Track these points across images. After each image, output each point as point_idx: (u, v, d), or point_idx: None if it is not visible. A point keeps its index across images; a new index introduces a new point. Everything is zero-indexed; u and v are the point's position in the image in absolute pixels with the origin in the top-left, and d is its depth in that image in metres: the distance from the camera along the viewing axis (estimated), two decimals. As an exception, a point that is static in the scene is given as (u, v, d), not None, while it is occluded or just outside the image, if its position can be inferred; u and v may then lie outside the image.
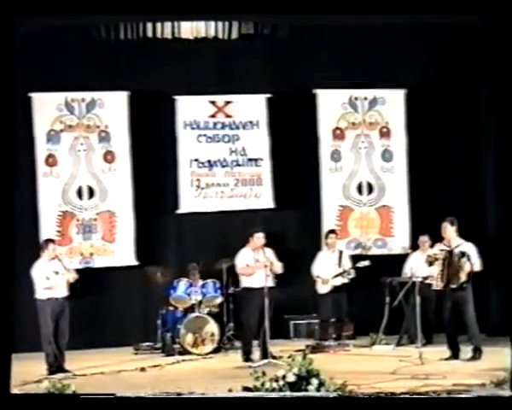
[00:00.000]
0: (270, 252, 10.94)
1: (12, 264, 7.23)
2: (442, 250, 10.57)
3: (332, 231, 12.51)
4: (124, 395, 6.90)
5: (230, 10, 11.15)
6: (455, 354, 10.53)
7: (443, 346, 10.85)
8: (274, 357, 10.57)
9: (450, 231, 10.59)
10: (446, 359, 10.52)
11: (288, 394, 7.50)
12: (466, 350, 10.56)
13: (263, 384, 7.95)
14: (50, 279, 10.46)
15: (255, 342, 10.86)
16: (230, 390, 8.20)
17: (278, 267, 10.88)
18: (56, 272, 10.52)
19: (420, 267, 11.65)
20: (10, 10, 7.44)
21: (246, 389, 8.05)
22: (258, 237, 10.86)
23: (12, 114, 7.51)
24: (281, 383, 7.87)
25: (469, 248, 10.54)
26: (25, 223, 11.68)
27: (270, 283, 10.69)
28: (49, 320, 10.40)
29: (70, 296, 10.62)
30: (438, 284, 10.67)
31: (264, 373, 8.05)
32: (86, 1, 8.62)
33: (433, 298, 11.71)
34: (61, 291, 10.54)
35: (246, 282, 10.94)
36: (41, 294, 10.49)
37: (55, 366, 10.36)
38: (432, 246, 12.02)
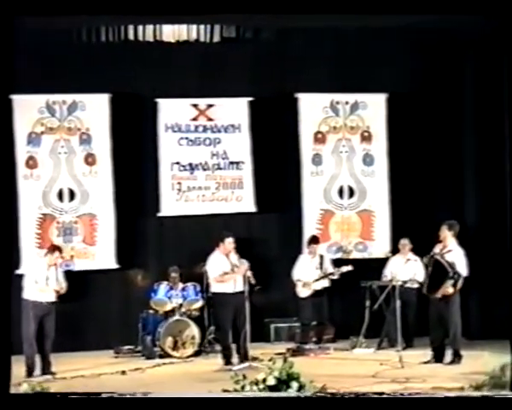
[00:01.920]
0: (242, 260, 10.90)
1: (9, 266, 7.17)
2: (432, 256, 10.58)
3: (315, 241, 12.47)
4: (113, 396, 6.81)
5: (212, 13, 11.20)
6: (439, 358, 10.56)
7: (423, 349, 10.90)
8: (254, 360, 10.57)
9: (445, 234, 10.62)
10: (426, 362, 10.55)
11: (268, 394, 7.50)
12: (446, 354, 10.61)
13: (243, 388, 7.94)
14: (38, 283, 10.49)
15: (234, 346, 10.83)
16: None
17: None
18: (48, 278, 10.53)
19: (400, 271, 11.73)
20: (10, 10, 7.33)
21: (226, 392, 8.05)
22: (229, 242, 10.83)
23: (8, 115, 7.39)
24: (261, 386, 7.87)
25: (458, 256, 10.57)
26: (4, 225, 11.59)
27: (242, 287, 10.66)
28: (32, 322, 10.38)
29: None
30: (424, 289, 10.72)
31: (244, 377, 8.03)
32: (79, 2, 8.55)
33: (413, 302, 11.78)
34: (48, 297, 10.53)
35: (216, 287, 10.92)
36: (28, 295, 10.49)
37: (34, 369, 10.36)
38: (412, 250, 12.10)
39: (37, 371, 10.45)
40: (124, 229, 12.70)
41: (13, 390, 8.25)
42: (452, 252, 10.56)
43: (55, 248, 10.96)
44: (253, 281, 10.66)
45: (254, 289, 10.73)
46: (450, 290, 10.45)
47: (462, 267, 10.56)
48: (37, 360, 10.54)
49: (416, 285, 11.60)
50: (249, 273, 10.68)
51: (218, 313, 11.07)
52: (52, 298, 10.57)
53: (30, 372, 10.32)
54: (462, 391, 8.23)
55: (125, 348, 12.11)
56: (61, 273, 10.84)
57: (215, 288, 10.92)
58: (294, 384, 7.85)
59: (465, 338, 11.46)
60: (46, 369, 10.48)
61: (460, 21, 11.17)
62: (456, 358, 10.49)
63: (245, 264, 10.77)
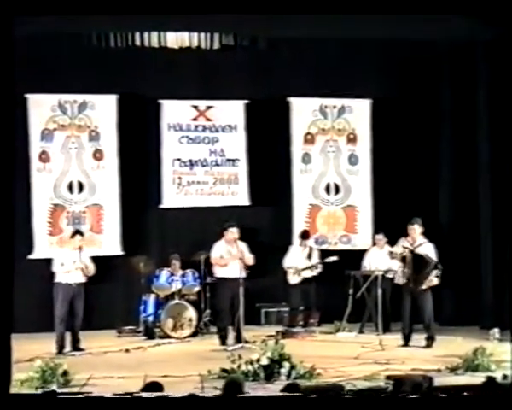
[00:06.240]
0: (243, 245, 10.96)
1: (11, 252, 7.12)
2: (405, 248, 10.61)
3: (306, 236, 12.43)
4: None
5: (213, 23, 11.18)
6: (406, 342, 10.59)
7: (398, 334, 10.91)
8: (247, 341, 10.59)
9: (416, 230, 10.66)
10: (403, 346, 10.58)
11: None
12: (420, 338, 10.61)
13: (239, 367, 7.99)
14: (64, 265, 10.54)
15: (230, 328, 10.86)
16: (209, 371, 8.21)
17: (249, 259, 10.88)
18: (74, 261, 10.58)
19: (377, 261, 11.81)
20: (9, 10, 7.23)
21: (224, 370, 8.08)
22: (232, 232, 10.86)
23: (11, 113, 7.32)
24: (255, 365, 7.92)
25: (430, 249, 10.61)
26: (19, 214, 11.54)
27: (243, 273, 10.69)
28: (64, 303, 10.45)
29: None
30: (399, 280, 10.76)
31: (239, 356, 8.09)
32: (82, 2, 8.45)
33: (390, 290, 11.80)
34: (76, 277, 10.60)
35: (219, 272, 10.96)
36: (57, 277, 10.56)
37: (64, 346, 10.44)
38: (388, 243, 12.09)
39: (68, 347, 10.52)
40: (128, 219, 12.72)
41: (27, 366, 8.24)
42: (423, 245, 10.61)
43: (76, 233, 10.99)
44: (251, 262, 10.67)
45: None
46: (435, 282, 10.48)
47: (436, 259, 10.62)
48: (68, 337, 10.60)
49: (391, 275, 11.60)
50: (248, 256, 10.67)
51: (219, 297, 11.06)
52: (80, 279, 10.61)
53: (60, 349, 10.38)
54: (438, 373, 8.28)
55: (127, 328, 12.11)
56: (85, 255, 10.85)
57: (217, 273, 10.96)
58: (286, 364, 7.90)
59: (438, 324, 11.51)
60: (75, 345, 10.58)
61: (436, 33, 11.21)
62: (429, 342, 10.54)
63: (246, 254, 10.75)
